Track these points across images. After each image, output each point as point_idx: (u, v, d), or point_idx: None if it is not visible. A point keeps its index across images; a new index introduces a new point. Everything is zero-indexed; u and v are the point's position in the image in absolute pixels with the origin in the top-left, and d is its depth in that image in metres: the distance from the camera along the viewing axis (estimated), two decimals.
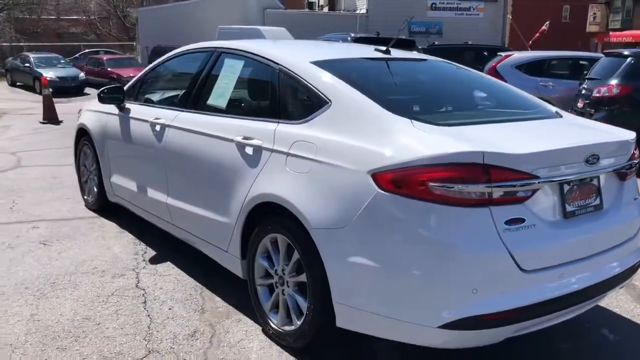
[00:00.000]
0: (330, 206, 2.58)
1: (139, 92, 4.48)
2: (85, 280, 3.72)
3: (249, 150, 3.10)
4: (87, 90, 20.39)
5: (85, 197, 5.33)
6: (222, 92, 3.56)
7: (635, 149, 2.88)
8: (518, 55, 11.19)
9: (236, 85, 3.54)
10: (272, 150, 2.95)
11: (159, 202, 3.95)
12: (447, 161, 2.32)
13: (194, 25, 24.43)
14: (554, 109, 3.29)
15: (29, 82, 20.72)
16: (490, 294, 2.32)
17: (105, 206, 4.99)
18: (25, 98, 18.22)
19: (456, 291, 2.32)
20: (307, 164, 2.73)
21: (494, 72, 10.15)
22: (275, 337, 3.00)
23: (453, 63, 3.82)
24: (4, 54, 30.55)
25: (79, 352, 2.87)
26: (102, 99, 4.43)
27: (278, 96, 3.18)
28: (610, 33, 35.32)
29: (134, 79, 4.66)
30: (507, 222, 2.34)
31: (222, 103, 3.52)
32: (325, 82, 2.93)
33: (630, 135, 2.88)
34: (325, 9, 33.34)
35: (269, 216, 2.97)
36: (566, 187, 2.54)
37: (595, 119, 6.92)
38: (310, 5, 36.00)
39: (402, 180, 2.36)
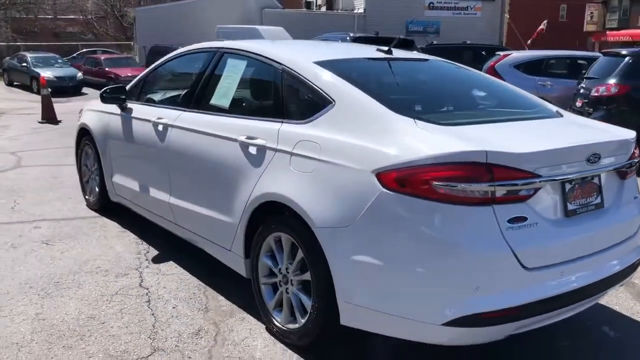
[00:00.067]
0: (334, 205, 2.61)
1: (141, 92, 4.50)
2: (89, 280, 3.74)
3: (252, 150, 3.12)
4: (84, 90, 20.38)
5: (87, 197, 5.35)
6: (225, 92, 3.58)
7: (635, 148, 2.91)
8: (516, 55, 11.23)
9: (239, 85, 3.56)
10: (276, 150, 2.97)
11: (161, 202, 3.97)
12: (450, 160, 2.35)
13: (192, 25, 24.45)
14: (554, 108, 3.32)
15: (26, 81, 20.69)
16: (494, 292, 2.35)
17: (106, 206, 5.01)
18: (23, 98, 18.20)
19: (460, 289, 2.34)
20: (311, 163, 2.75)
21: (493, 72, 10.19)
22: (279, 335, 3.02)
23: (454, 63, 3.85)
24: (1, 53, 30.43)
25: (84, 351, 2.89)
26: (105, 99, 4.45)
27: (281, 96, 3.21)
28: (607, 32, 35.42)
29: (135, 79, 4.67)
30: (509, 221, 2.36)
31: (225, 103, 3.54)
32: (328, 82, 2.95)
33: (630, 134, 2.91)
34: (323, 9, 33.39)
35: (272, 215, 3.00)
36: (567, 186, 2.57)
37: (594, 118, 6.94)
38: (308, 5, 36.04)
39: (406, 180, 2.38)
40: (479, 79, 3.69)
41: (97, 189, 5.07)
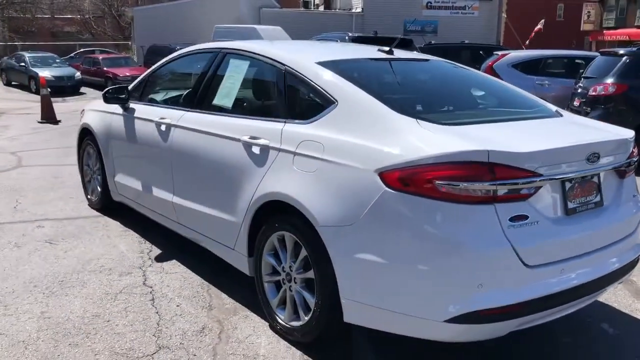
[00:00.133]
0: (337, 204, 2.64)
1: (144, 92, 4.52)
2: (93, 279, 3.77)
3: (255, 150, 3.15)
4: (82, 89, 20.36)
5: (89, 197, 5.37)
6: (228, 92, 3.61)
7: (634, 147, 2.95)
8: (514, 54, 11.28)
9: (242, 85, 3.60)
10: (279, 150, 3.00)
11: (164, 201, 4.00)
12: (453, 160, 2.38)
13: (190, 25, 24.49)
14: (554, 108, 3.36)
15: (24, 81, 20.66)
16: (495, 289, 2.39)
17: (108, 205, 5.04)
18: (21, 97, 18.17)
19: (462, 286, 2.38)
20: (315, 163, 2.79)
21: (491, 71, 10.24)
22: (283, 332, 3.06)
23: (454, 63, 3.88)
24: None
25: (90, 348, 2.92)
26: (107, 99, 4.48)
27: (284, 96, 3.24)
28: (605, 31, 35.51)
29: (137, 79, 4.70)
30: (511, 219, 2.40)
31: (228, 103, 3.57)
32: (331, 82, 2.99)
33: (629, 133, 2.95)
34: (321, 8, 33.41)
35: (276, 214, 3.03)
36: (568, 185, 2.61)
37: (591, 117, 6.99)
38: (306, 4, 36.06)
39: (409, 179, 2.42)
40: (479, 79, 3.73)
41: (99, 189, 5.10)
